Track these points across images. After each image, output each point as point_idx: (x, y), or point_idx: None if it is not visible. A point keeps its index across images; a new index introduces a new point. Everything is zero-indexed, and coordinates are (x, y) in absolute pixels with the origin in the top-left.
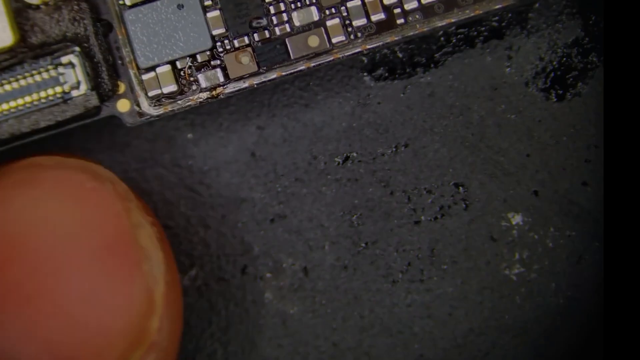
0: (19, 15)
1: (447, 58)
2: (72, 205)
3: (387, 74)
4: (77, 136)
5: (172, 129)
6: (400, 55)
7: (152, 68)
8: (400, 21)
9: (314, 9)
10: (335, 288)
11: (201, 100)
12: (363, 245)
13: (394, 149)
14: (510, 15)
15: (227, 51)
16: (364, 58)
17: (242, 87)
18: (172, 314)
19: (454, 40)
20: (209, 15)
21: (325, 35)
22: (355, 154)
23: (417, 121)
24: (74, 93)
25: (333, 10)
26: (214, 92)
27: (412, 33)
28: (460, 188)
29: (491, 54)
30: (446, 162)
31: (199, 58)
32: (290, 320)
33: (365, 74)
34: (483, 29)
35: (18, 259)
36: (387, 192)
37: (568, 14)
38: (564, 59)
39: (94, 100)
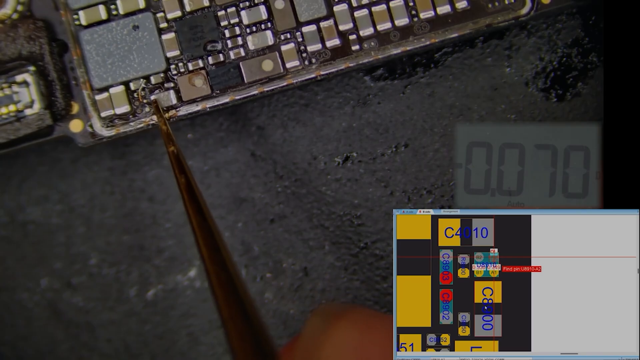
0: None
1: (447, 58)
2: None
3: (387, 74)
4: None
5: (172, 129)
6: None
7: (106, 88)
8: (355, 47)
9: (269, 33)
10: (335, 288)
11: (153, 122)
12: (363, 245)
13: (394, 149)
14: None
15: (180, 73)
16: None
17: (194, 110)
18: None
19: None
20: (164, 37)
21: (279, 60)
22: (355, 154)
23: (417, 121)
24: (28, 112)
25: (288, 35)
26: (166, 115)
27: (367, 60)
28: None
29: (491, 54)
30: (446, 162)
31: (153, 80)
32: (290, 320)
33: (365, 74)
34: None
35: None
36: (387, 192)
37: (568, 14)
38: (564, 59)
39: (47, 120)
